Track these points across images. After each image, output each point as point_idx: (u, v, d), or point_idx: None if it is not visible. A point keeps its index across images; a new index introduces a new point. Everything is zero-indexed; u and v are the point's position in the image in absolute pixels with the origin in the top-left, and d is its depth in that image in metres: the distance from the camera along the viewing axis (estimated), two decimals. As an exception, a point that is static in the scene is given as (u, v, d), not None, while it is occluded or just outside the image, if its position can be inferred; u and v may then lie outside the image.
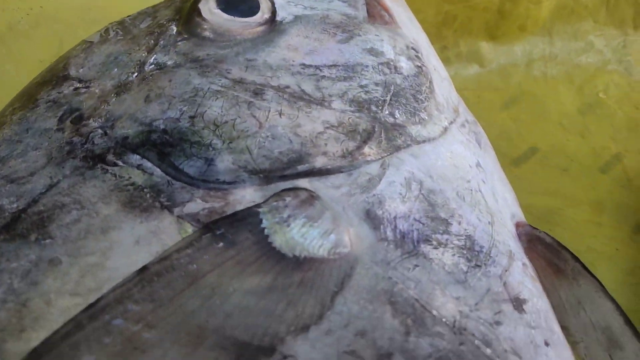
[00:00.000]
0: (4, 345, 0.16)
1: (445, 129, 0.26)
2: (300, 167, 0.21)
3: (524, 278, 0.21)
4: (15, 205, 0.20)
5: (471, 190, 0.23)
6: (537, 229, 0.23)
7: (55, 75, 0.26)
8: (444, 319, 0.17)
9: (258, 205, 0.19)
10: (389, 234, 0.19)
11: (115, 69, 0.25)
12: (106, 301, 0.16)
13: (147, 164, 0.20)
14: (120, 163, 0.21)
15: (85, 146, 0.21)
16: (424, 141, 0.24)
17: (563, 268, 0.22)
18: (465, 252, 0.20)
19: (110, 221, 0.19)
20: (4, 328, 0.16)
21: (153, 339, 0.16)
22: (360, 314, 0.17)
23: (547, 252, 0.22)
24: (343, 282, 0.18)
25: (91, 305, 0.16)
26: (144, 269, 0.17)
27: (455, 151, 0.25)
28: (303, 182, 0.20)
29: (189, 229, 0.18)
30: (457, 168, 0.24)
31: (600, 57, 0.43)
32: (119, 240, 0.18)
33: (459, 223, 0.21)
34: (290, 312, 0.17)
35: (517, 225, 0.24)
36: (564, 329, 0.21)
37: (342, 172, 0.21)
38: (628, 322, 0.20)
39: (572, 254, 0.22)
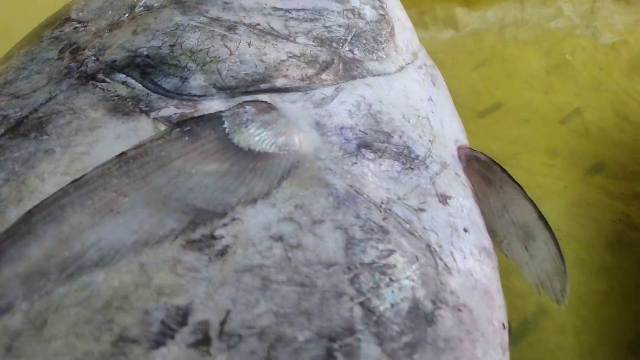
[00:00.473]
0: (6, 210, 0.19)
1: (402, 68, 0.29)
2: (262, 86, 0.24)
3: (453, 182, 0.24)
4: (19, 114, 0.23)
5: (418, 116, 0.27)
6: (475, 150, 0.26)
7: (58, 19, 0.30)
8: (372, 201, 0.21)
9: (222, 111, 0.22)
10: (334, 139, 0.23)
11: (110, 12, 0.29)
12: (90, 176, 0.20)
13: (131, 81, 0.24)
14: (108, 80, 0.24)
15: (80, 69, 0.25)
16: (379, 75, 0.27)
17: (492, 179, 0.25)
18: (401, 157, 0.23)
19: (96, 122, 0.22)
20: (5, 199, 0.20)
21: (126, 204, 0.19)
22: (301, 193, 0.20)
23: (481, 167, 0.26)
24: (290, 171, 0.21)
25: (77, 179, 0.20)
26: (122, 154, 0.20)
27: (409, 87, 0.28)
28: (263, 97, 0.24)
29: (162, 127, 0.22)
30: (408, 99, 0.27)
31: (569, 23, 0.45)
32: (103, 136, 0.22)
33: (400, 137, 0.24)
34: (242, 189, 0.20)
35: (459, 148, 0.27)
36: (492, 232, 0.25)
37: (299, 91, 0.24)
38: (541, 217, 0.23)
39: (501, 167, 0.25)
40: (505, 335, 0.21)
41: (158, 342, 0.16)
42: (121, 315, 0.16)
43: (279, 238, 0.19)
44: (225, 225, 0.19)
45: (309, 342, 0.16)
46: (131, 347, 0.16)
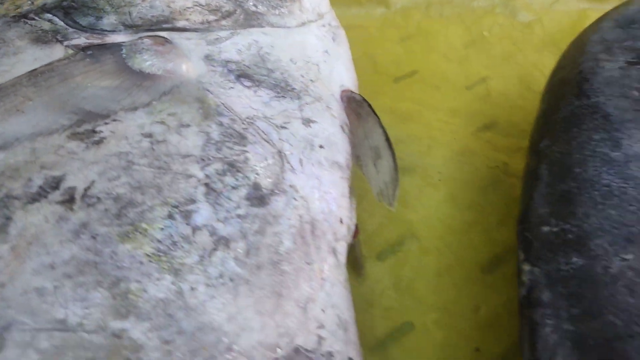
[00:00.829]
0: None
1: (303, 24, 0.33)
2: (165, 25, 0.28)
3: (322, 112, 0.28)
4: (-38, 45, 0.28)
5: (307, 62, 0.31)
6: (354, 92, 0.31)
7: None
8: (238, 116, 0.25)
9: (123, 42, 0.27)
10: (219, 69, 0.27)
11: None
12: (4, 85, 0.24)
13: (55, 19, 0.28)
14: (37, 18, 0.29)
15: (17, 10, 0.30)
16: (279, 27, 0.32)
17: (361, 113, 0.29)
18: (277, 88, 0.27)
19: (20, 49, 0.27)
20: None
21: (30, 106, 0.23)
22: (177, 105, 0.24)
23: (356, 106, 0.30)
24: (172, 89, 0.25)
25: (-6, 87, 0.24)
26: (33, 70, 0.25)
27: (307, 39, 0.32)
28: (163, 33, 0.28)
29: (71, 52, 0.26)
30: (303, 48, 0.32)
31: (490, 2, 0.49)
32: (23, 59, 0.26)
33: (282, 73, 0.29)
34: (128, 100, 0.24)
35: (343, 91, 0.31)
36: (357, 157, 0.29)
37: (197, 32, 0.29)
38: (387, 139, 0.27)
39: (368, 104, 0.29)
40: (342, 229, 0.25)
41: (34, 199, 0.20)
42: (10, 182, 0.21)
43: (149, 135, 0.23)
44: (106, 123, 0.23)
45: (154, 206, 0.21)
46: (13, 201, 0.20)
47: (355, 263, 0.31)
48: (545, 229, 0.25)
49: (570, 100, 0.29)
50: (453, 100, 0.42)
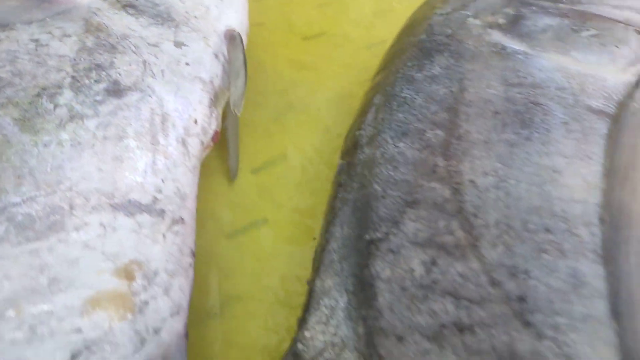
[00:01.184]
0: None
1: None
2: (72, -34, 0.35)
3: (197, 40, 0.34)
4: None
5: (198, 4, 0.37)
6: (234, 30, 0.37)
7: None
8: (115, 32, 0.31)
9: (33, -24, 0.33)
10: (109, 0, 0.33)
11: None
12: None
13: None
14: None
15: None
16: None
17: (234, 45, 0.35)
18: (157, 18, 0.33)
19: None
20: None
21: (-55, 16, 0.30)
22: (65, 21, 0.31)
23: (232, 40, 0.36)
24: (64, 11, 0.31)
25: None
26: (-47, -9, 0.31)
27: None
28: (68, -28, 0.34)
29: (-12, -19, 0.32)
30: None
31: (403, -23, 0.56)
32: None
33: (166, 8, 0.35)
34: (26, 16, 0.30)
35: (227, 31, 0.37)
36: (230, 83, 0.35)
37: (98, -27, 0.35)
38: (244, 62, 0.33)
39: (240, 38, 0.35)
40: (196, 128, 0.31)
41: None
42: None
43: (36, 40, 0.29)
44: (4, 31, 0.29)
45: (27, 87, 0.27)
46: None
47: (228, 171, 0.36)
48: (357, 133, 0.30)
49: (403, 39, 0.35)
50: (351, 57, 0.48)
